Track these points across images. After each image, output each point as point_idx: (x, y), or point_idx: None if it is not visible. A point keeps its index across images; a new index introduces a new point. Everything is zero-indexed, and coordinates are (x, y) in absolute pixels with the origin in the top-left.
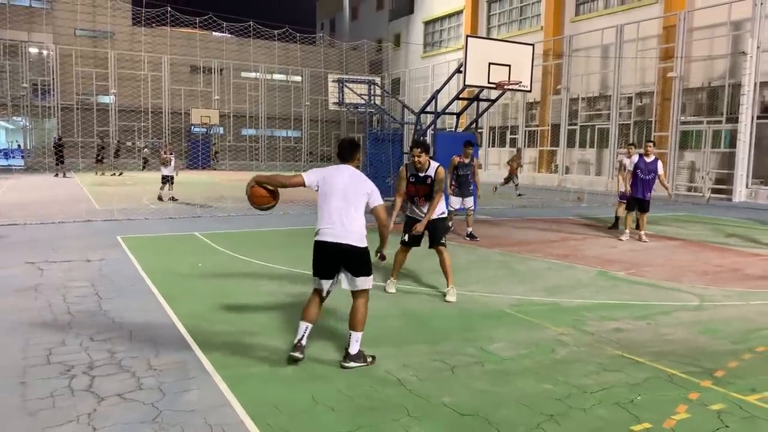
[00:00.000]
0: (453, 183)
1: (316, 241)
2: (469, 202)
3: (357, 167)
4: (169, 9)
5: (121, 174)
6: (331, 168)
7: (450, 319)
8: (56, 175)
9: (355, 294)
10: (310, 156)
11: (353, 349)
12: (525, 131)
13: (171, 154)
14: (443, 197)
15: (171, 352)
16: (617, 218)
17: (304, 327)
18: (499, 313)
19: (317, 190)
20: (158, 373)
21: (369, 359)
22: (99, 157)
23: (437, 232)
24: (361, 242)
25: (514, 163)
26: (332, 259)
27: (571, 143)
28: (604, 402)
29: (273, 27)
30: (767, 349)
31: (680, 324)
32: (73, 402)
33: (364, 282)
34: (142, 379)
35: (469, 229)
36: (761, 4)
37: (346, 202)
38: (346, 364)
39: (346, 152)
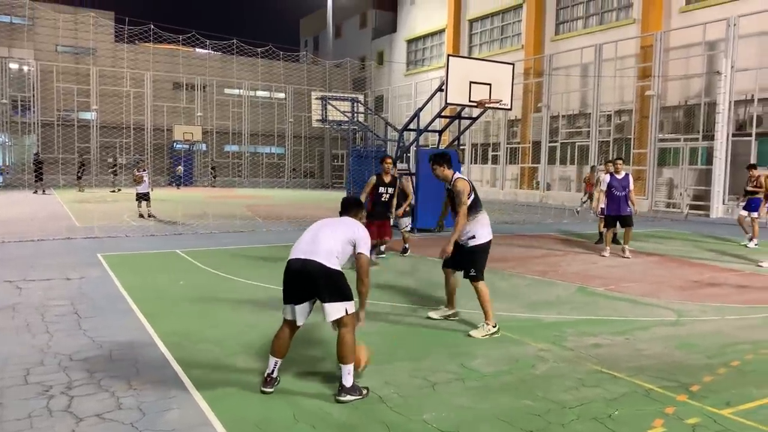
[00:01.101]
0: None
1: (286, 264)
2: (405, 221)
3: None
4: (152, 26)
5: (119, 190)
6: None
7: (432, 336)
8: (35, 191)
9: (336, 324)
10: (293, 173)
11: (347, 382)
12: (507, 148)
13: (144, 171)
14: (471, 215)
15: (151, 371)
16: (601, 234)
17: (274, 362)
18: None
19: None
20: (138, 393)
21: (364, 391)
22: (79, 174)
23: (463, 259)
24: (330, 262)
25: (590, 181)
26: (301, 280)
27: (552, 160)
28: (582, 417)
29: (256, 45)
30: (742, 363)
31: (657, 339)
32: (51, 423)
33: (339, 309)
34: (121, 398)
35: (406, 245)
36: (734, 25)
37: (323, 229)
38: (341, 398)
39: (344, 208)
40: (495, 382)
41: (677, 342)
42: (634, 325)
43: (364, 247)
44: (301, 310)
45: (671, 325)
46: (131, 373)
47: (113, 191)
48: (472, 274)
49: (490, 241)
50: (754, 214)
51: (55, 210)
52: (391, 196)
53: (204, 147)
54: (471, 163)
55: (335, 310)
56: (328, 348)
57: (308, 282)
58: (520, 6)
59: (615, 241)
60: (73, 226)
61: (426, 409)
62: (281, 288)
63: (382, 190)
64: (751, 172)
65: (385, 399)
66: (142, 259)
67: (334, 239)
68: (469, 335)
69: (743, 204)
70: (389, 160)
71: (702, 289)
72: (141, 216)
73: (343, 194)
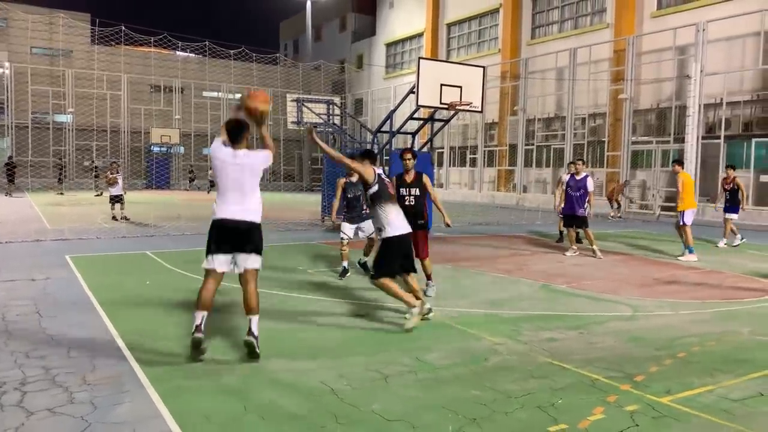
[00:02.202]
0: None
1: (214, 220)
2: (367, 227)
3: (246, 147)
4: (123, 28)
5: (102, 194)
6: (222, 151)
7: (391, 331)
8: (7, 194)
9: (248, 278)
10: (273, 175)
11: (256, 330)
12: (484, 151)
13: (117, 173)
14: (375, 205)
15: (108, 368)
16: (561, 233)
17: (201, 316)
18: (440, 325)
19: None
20: (92, 388)
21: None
22: (60, 178)
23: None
24: (258, 219)
25: (617, 188)
26: (231, 236)
27: (528, 163)
28: (526, 406)
29: (231, 47)
30: (688, 354)
31: (611, 333)
32: (1, 417)
33: (257, 260)
34: (74, 393)
35: (365, 258)
36: (703, 30)
37: (241, 182)
38: (253, 342)
39: (236, 136)
40: (446, 374)
41: (629, 336)
42: (590, 320)
43: (270, 156)
44: (225, 260)
45: (626, 320)
46: (87, 370)
47: (98, 195)
48: (371, 272)
49: (397, 237)
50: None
51: (27, 213)
52: (418, 198)
53: (182, 149)
54: (449, 165)
55: (256, 261)
56: (278, 344)
57: (239, 238)
58: (497, 10)
59: (578, 240)
60: (43, 228)
61: (376, 400)
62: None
63: (404, 191)
64: (728, 173)
65: (337, 391)
66: (111, 260)
67: (257, 193)
68: (406, 329)
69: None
70: (409, 155)
71: (661, 286)
72: (114, 218)
73: (319, 197)
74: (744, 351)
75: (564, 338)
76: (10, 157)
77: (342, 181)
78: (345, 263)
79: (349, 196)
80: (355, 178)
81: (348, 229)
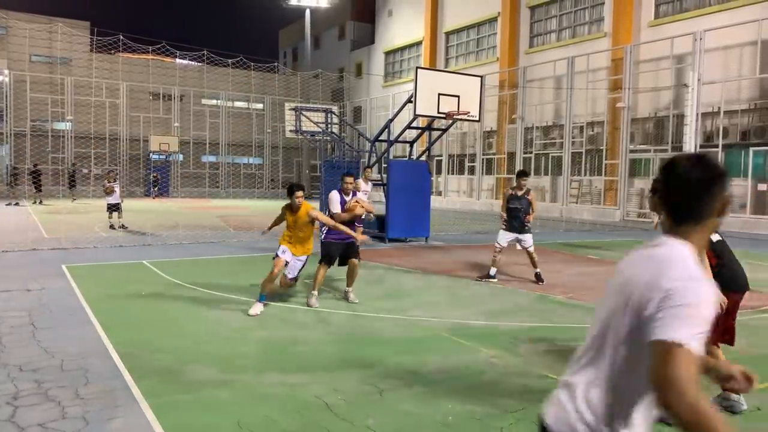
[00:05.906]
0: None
1: None
2: (528, 239)
3: None
4: (122, 37)
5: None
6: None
7: (387, 344)
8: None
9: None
10: (271, 183)
11: None
12: (482, 159)
13: (115, 182)
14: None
15: (101, 381)
16: None
17: None
18: (436, 338)
19: None
20: (85, 402)
21: None
22: (71, 184)
23: None
24: None
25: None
26: None
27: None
28: (522, 420)
29: (230, 56)
30: None
31: None
32: None
33: None
34: (67, 408)
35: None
36: (701, 39)
37: None
38: None
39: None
40: (442, 388)
41: None
42: (586, 331)
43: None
44: None
45: None
46: (80, 383)
47: (75, 200)
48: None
49: None
50: None
51: (24, 221)
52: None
53: (181, 157)
54: (448, 173)
55: None
56: (272, 357)
57: None
58: (495, 19)
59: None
60: (40, 237)
61: (371, 416)
62: (243, 298)
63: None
64: None
65: (332, 406)
66: (107, 269)
67: None
68: None
69: None
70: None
71: None
72: (112, 227)
73: (317, 204)
74: (741, 364)
75: (561, 350)
76: (36, 165)
77: (507, 192)
78: (493, 270)
79: (510, 206)
80: (520, 192)
81: (504, 237)
